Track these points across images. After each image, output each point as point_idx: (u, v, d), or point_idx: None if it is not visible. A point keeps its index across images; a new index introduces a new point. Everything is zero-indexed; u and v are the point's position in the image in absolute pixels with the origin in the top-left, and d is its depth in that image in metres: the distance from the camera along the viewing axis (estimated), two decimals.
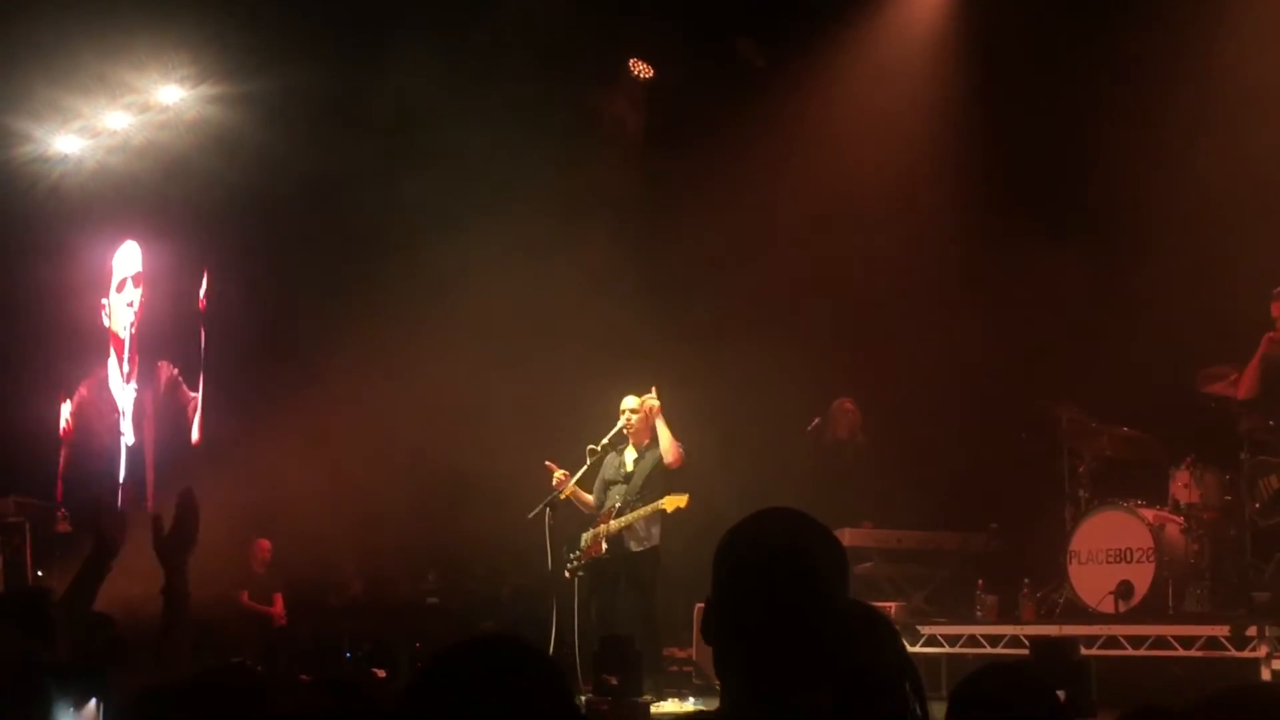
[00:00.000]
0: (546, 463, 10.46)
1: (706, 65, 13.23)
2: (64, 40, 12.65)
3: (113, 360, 15.94)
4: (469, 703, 2.29)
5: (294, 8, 12.35)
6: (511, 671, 2.35)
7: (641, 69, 13.58)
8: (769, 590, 2.61)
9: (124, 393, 15.92)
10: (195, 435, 15.41)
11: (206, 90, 13.84)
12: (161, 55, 13.38)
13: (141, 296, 15.89)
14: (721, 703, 2.67)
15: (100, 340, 16.06)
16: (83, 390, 16.05)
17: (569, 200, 12.79)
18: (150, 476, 15.45)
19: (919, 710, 3.22)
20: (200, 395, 15.36)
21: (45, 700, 2.98)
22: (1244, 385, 9.61)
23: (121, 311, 16.04)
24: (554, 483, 10.34)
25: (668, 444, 10.04)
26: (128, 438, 15.73)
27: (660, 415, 10.08)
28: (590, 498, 10.44)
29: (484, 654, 2.37)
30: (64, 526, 14.22)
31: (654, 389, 10.21)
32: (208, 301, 15.44)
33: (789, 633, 2.58)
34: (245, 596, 14.04)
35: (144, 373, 15.88)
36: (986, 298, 11.47)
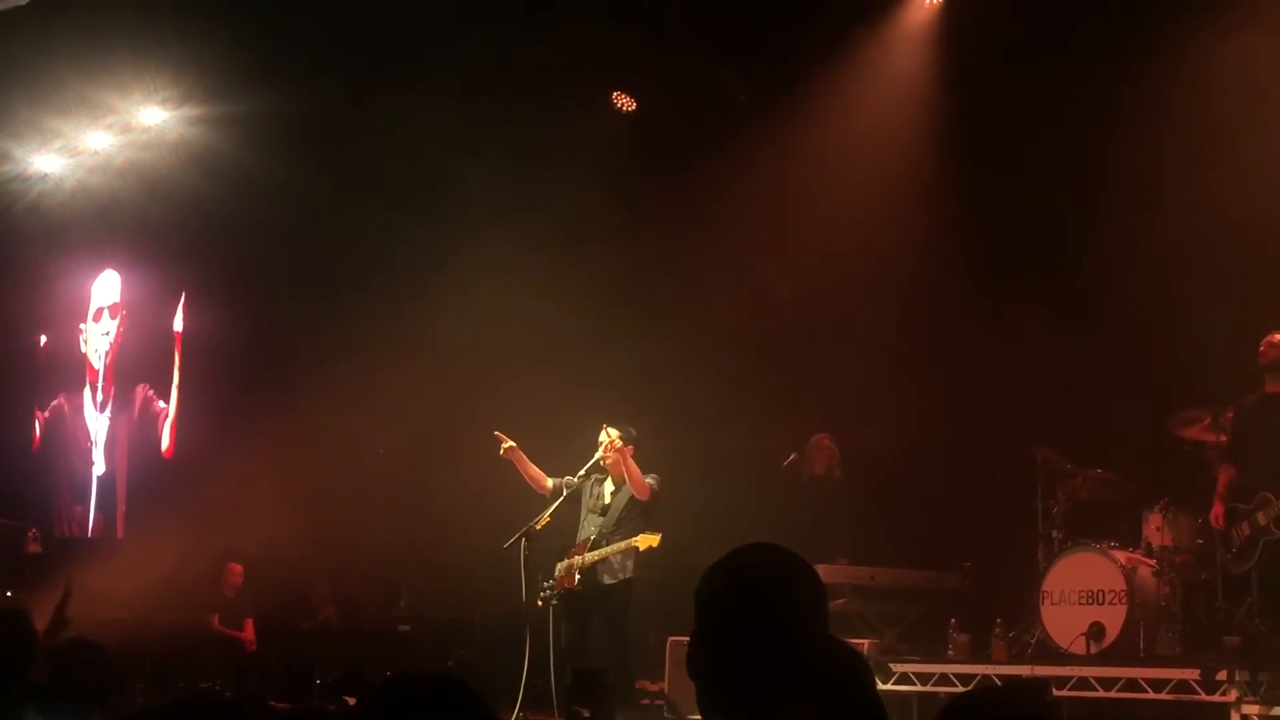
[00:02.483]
0: (496, 433, 10.46)
1: (690, 98, 13.28)
2: (45, 61, 12.64)
3: (87, 389, 15.91)
4: None
5: (277, 30, 12.35)
6: (439, 710, 2.38)
7: (624, 101, 13.62)
8: (747, 624, 2.63)
9: (97, 421, 15.88)
10: (166, 444, 15.36)
11: (189, 111, 13.83)
12: (144, 76, 13.37)
13: (119, 327, 15.88)
14: None
15: (77, 366, 16.02)
16: (53, 411, 16.02)
17: (550, 231, 12.83)
18: (121, 509, 15.40)
19: None
20: (172, 407, 15.34)
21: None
22: (1214, 512, 9.69)
23: (97, 340, 16.02)
24: (501, 452, 10.36)
25: (633, 482, 10.02)
26: (98, 467, 15.68)
27: (626, 453, 10.05)
28: (538, 470, 10.46)
29: (412, 693, 2.41)
30: (35, 547, 14.14)
31: (604, 426, 10.19)
32: (184, 321, 15.42)
33: (767, 667, 2.60)
34: (216, 621, 13.97)
35: (119, 401, 15.85)
36: (965, 338, 11.53)
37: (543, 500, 10.39)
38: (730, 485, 12.09)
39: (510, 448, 10.42)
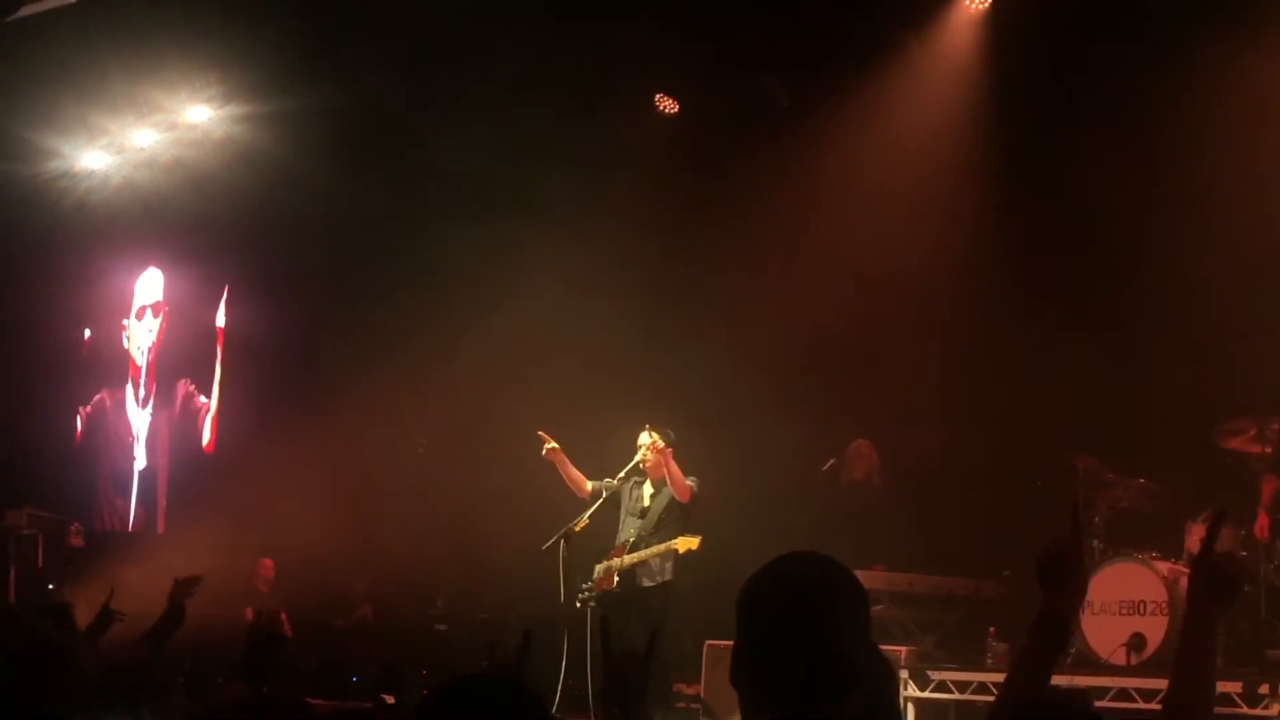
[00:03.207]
0: (539, 432, 10.48)
1: (732, 102, 13.26)
2: (93, 58, 12.75)
3: (129, 385, 16.04)
4: None
5: (322, 28, 12.42)
6: (499, 713, 2.40)
7: (667, 104, 13.61)
8: (789, 634, 2.62)
9: (139, 417, 16.00)
10: (207, 439, 15.46)
11: (234, 110, 13.93)
12: (190, 74, 13.47)
13: (161, 324, 16.00)
14: None
15: (120, 362, 16.14)
16: (95, 406, 16.15)
17: (591, 234, 12.82)
18: (162, 504, 15.50)
19: None
20: (214, 402, 15.44)
21: (75, 691, 3.03)
22: (1259, 523, 9.62)
23: (140, 338, 16.15)
24: (544, 452, 10.37)
25: (675, 484, 10.02)
26: (140, 462, 15.79)
27: (668, 455, 10.05)
28: (579, 473, 10.48)
29: (472, 696, 2.43)
30: (77, 540, 14.26)
31: (646, 427, 10.20)
32: (226, 317, 15.52)
33: (809, 676, 2.60)
34: (250, 615, 14.02)
35: (161, 397, 15.97)
36: (1009, 345, 11.47)
37: (582, 502, 10.41)
38: (769, 490, 12.07)
39: (553, 449, 10.44)
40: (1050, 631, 3.21)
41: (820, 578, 2.71)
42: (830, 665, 2.62)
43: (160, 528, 15.45)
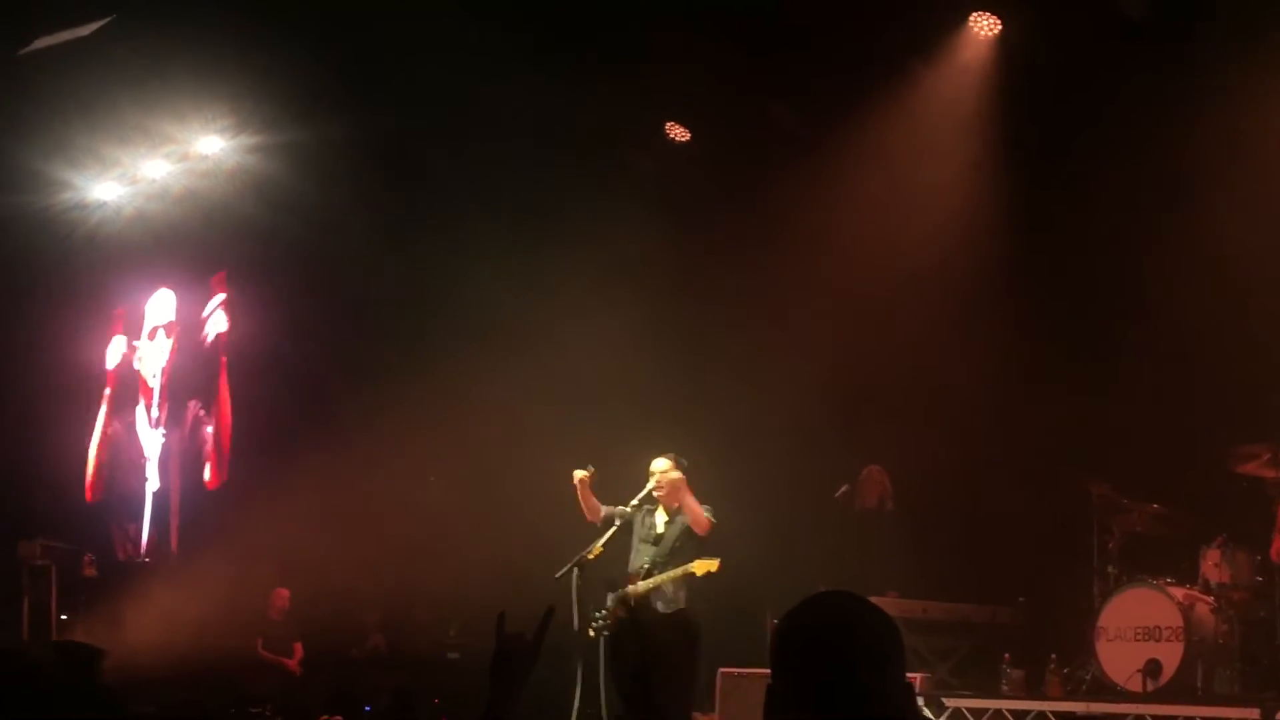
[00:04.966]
0: (590, 467, 10.36)
1: (742, 130, 13.26)
2: (104, 90, 12.81)
3: (140, 406, 16.05)
4: None
5: (334, 59, 12.46)
6: None
7: (678, 133, 13.61)
8: (826, 677, 2.62)
9: (151, 438, 15.99)
10: (208, 477, 15.44)
11: (245, 140, 13.97)
12: (201, 105, 13.52)
13: (173, 345, 16.01)
14: None
15: (130, 386, 16.15)
16: (107, 432, 16.14)
17: (604, 264, 12.82)
18: (175, 523, 15.49)
19: None
20: (213, 434, 15.43)
21: None
22: (1274, 548, 9.60)
23: (152, 359, 16.15)
24: (576, 478, 10.29)
25: (694, 517, 9.94)
26: (153, 483, 15.78)
27: (682, 487, 9.98)
28: (596, 501, 10.40)
29: None
30: (90, 571, 14.26)
31: (672, 455, 10.12)
32: (232, 343, 15.51)
33: (838, 704, 2.59)
34: (260, 645, 14.03)
35: (173, 417, 15.96)
36: (1023, 371, 11.45)
37: (594, 530, 10.35)
38: (782, 517, 12.03)
39: (585, 478, 10.31)
40: None
41: (854, 617, 2.71)
42: (854, 695, 2.62)
43: (174, 548, 15.43)
